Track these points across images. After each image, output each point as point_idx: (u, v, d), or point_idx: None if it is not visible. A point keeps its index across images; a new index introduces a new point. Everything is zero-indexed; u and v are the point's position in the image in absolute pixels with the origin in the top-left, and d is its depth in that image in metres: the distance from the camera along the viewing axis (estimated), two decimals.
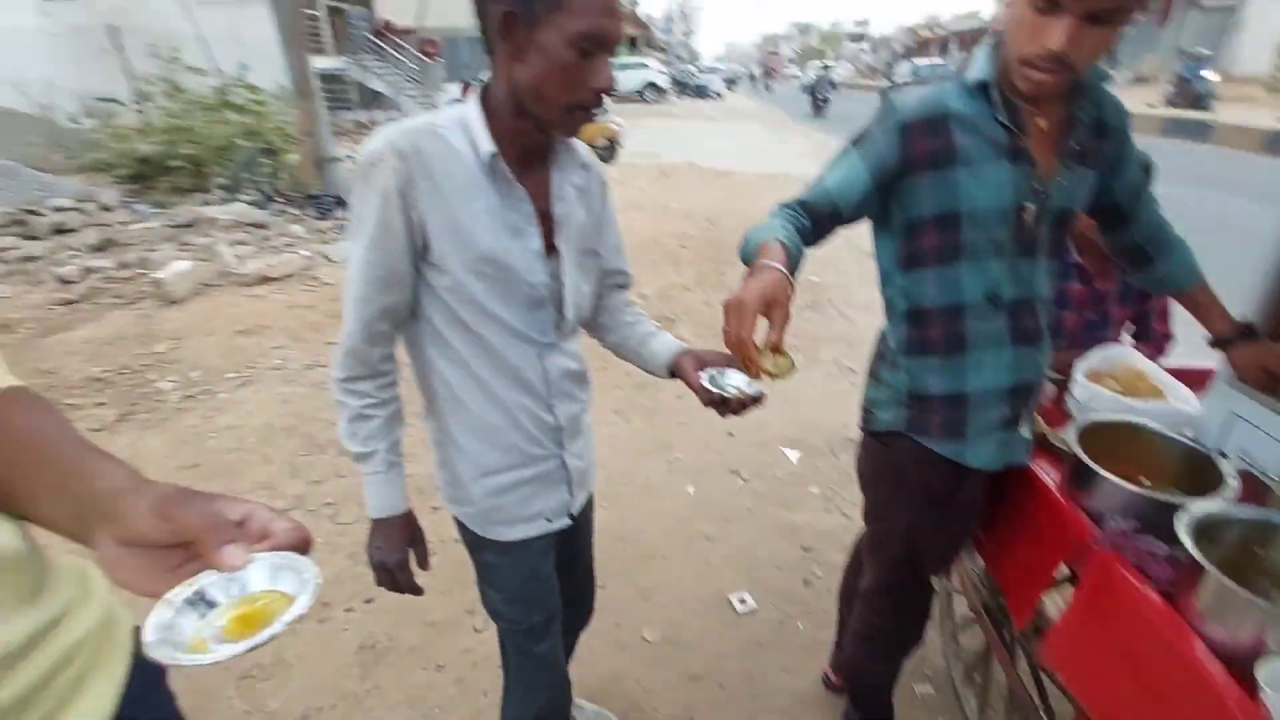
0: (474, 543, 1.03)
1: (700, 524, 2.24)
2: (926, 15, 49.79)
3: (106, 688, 0.52)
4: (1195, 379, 1.25)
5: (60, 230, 4.69)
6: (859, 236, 5.47)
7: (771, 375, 0.79)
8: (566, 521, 1.05)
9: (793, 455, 2.63)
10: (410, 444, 2.72)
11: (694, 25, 63.57)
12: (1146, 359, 1.31)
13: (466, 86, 12.16)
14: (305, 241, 4.91)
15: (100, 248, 4.54)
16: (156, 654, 0.37)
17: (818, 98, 18.48)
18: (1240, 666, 0.75)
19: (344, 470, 2.46)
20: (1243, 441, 1.10)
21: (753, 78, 44.65)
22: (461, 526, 1.02)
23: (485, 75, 0.86)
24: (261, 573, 0.42)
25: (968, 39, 39.14)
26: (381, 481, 0.92)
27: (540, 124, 0.81)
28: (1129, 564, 0.91)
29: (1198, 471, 1.00)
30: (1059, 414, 1.29)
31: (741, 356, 0.74)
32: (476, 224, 0.81)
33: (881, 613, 1.30)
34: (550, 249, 0.89)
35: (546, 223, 0.88)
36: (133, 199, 5.57)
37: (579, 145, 0.95)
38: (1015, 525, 1.18)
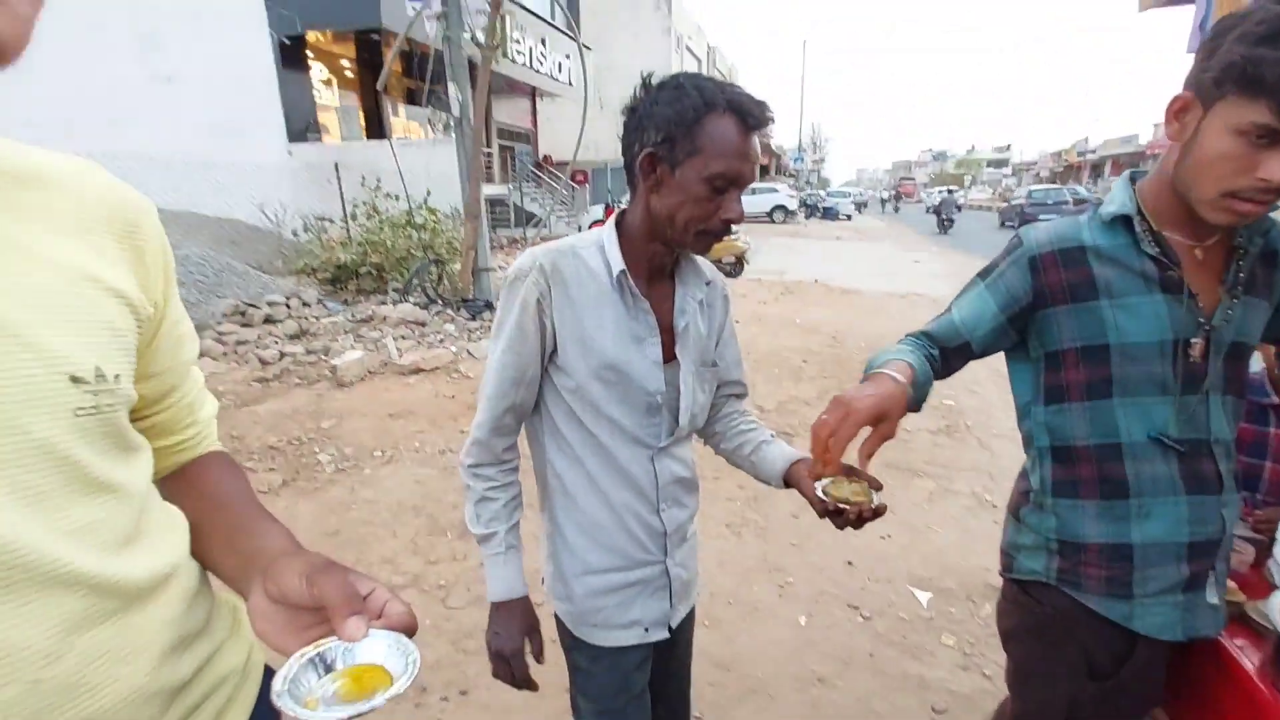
0: (570, 643, 1.02)
1: (812, 662, 2.03)
2: (1074, 140, 48.20)
3: (240, 718, 0.58)
4: None
5: (269, 320, 5.62)
6: (1000, 359, 5.15)
7: (845, 502, 0.76)
8: (665, 634, 1.02)
9: (922, 597, 2.36)
10: (522, 536, 2.78)
11: (825, 153, 66.34)
12: None
13: (609, 208, 13.45)
14: (455, 338, 5.47)
15: (296, 336, 5.35)
16: (279, 702, 0.42)
17: (942, 217, 20.67)
18: None
19: (459, 554, 2.56)
20: None
21: (882, 201, 45.16)
22: (560, 624, 1.03)
23: (626, 199, 0.97)
24: (374, 647, 0.46)
25: (1123, 163, 37.14)
26: (501, 563, 0.95)
27: (672, 246, 0.89)
28: None
29: None
30: (1260, 582, 1.07)
31: (821, 456, 0.74)
32: (603, 333, 0.88)
33: None
34: (670, 358, 0.94)
35: (668, 334, 0.94)
36: (327, 297, 6.59)
37: (703, 262, 1.02)
38: (1202, 713, 0.97)
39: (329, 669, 0.45)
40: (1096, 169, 42.94)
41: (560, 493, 0.97)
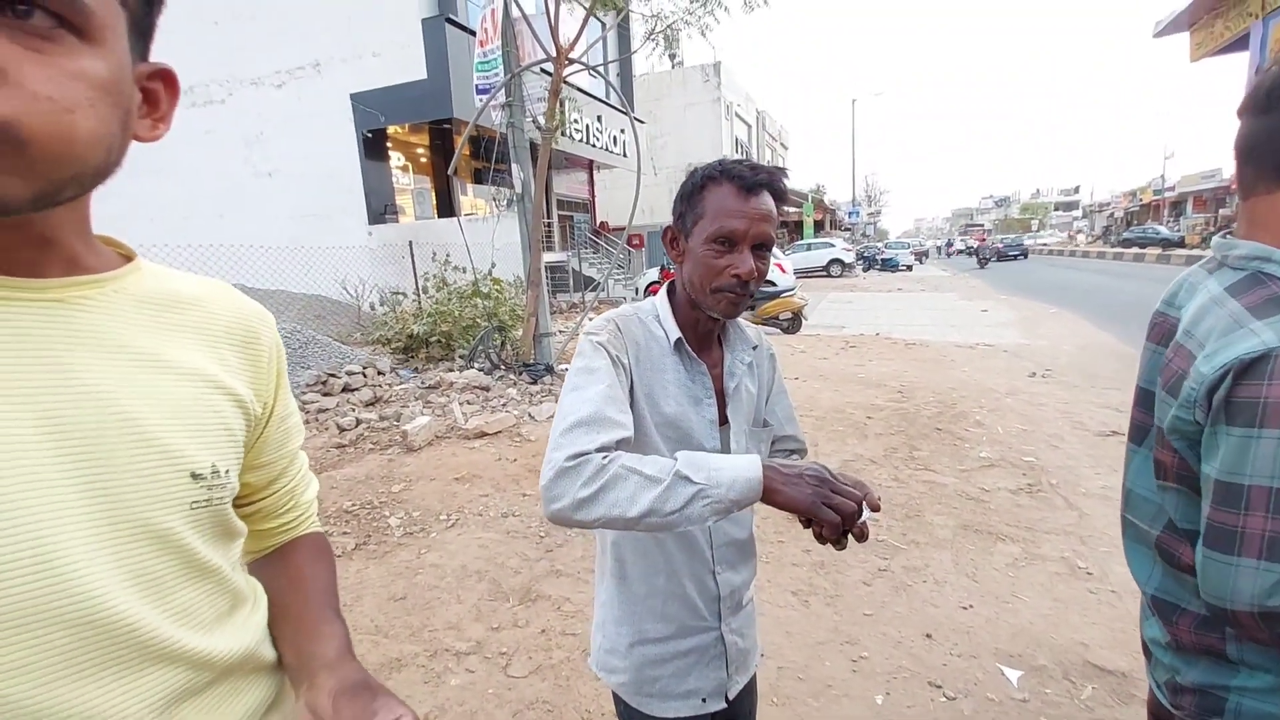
0: (625, 712, 1.00)
1: None
2: (1150, 178, 46.07)
3: None
4: None
5: (347, 389, 5.96)
6: (1082, 412, 4.85)
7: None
8: (722, 704, 0.99)
9: (1012, 675, 2.17)
10: (581, 603, 2.76)
11: (882, 205, 65.98)
12: None
13: (665, 269, 13.77)
14: (517, 403, 5.63)
15: (371, 403, 5.65)
16: None
17: (980, 257, 27.06)
18: None
19: (521, 621, 2.56)
20: None
21: (938, 249, 44.34)
22: (616, 698, 1.02)
23: None
24: None
25: (1205, 199, 35.10)
26: (709, 464, 0.76)
27: (703, 310, 0.93)
28: None
29: None
30: None
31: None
32: (665, 393, 0.93)
33: None
34: (723, 420, 0.96)
35: (720, 397, 0.97)
36: (400, 365, 6.96)
37: (748, 327, 1.06)
38: None
39: None
40: (1176, 207, 40.69)
41: (616, 559, 0.98)
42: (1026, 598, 2.60)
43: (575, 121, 13.75)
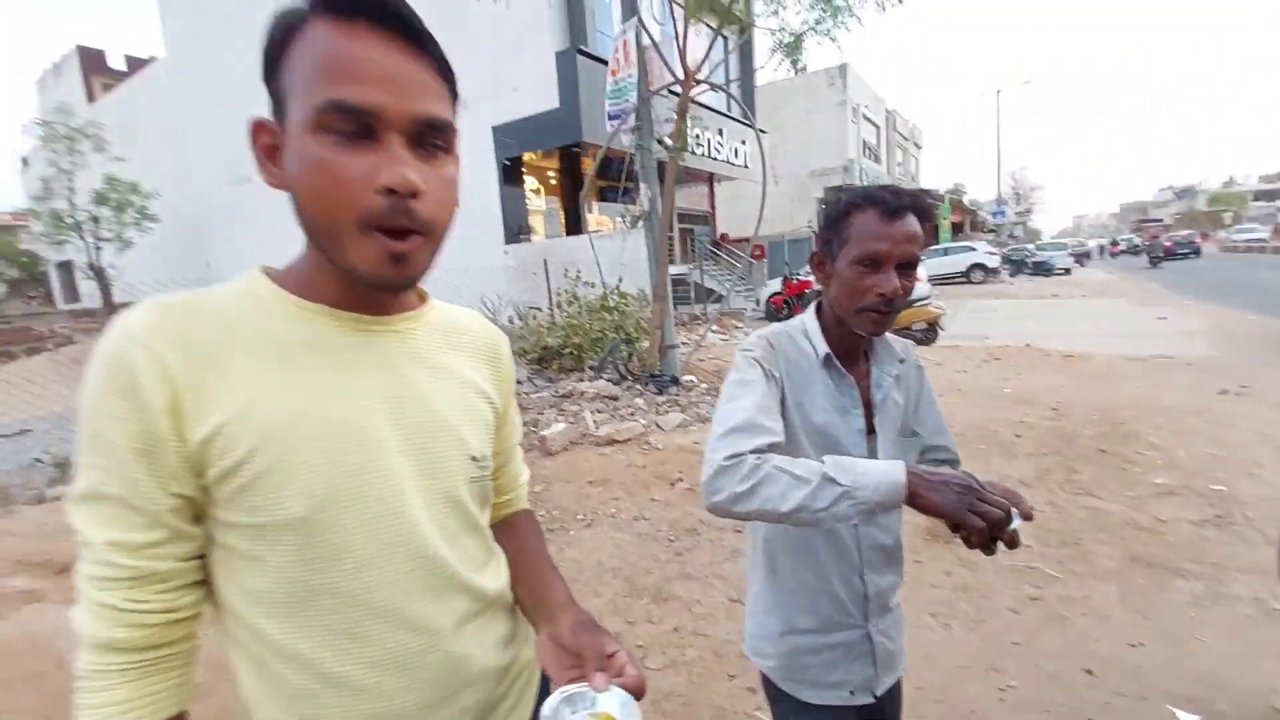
0: (775, 695, 1.09)
1: None
2: None
3: (530, 698, 0.79)
4: None
5: None
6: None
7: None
8: (869, 699, 1.05)
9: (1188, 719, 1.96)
10: (711, 606, 2.87)
11: (1033, 203, 59.88)
12: None
13: (787, 280, 13.54)
14: (644, 412, 5.85)
15: None
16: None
17: (1152, 256, 25.21)
18: None
19: (655, 618, 2.71)
20: None
21: (1100, 249, 39.35)
22: (766, 681, 1.11)
23: (803, 271, 1.13)
24: (611, 700, 0.61)
25: None
26: (855, 469, 0.80)
27: (849, 327, 1.00)
28: None
29: None
30: None
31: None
32: (814, 404, 1.02)
33: None
34: (871, 430, 1.03)
35: (868, 408, 1.04)
36: (535, 375, 7.49)
37: (895, 341, 1.12)
38: None
39: (576, 710, 0.61)
40: None
41: (767, 554, 1.08)
42: (1208, 639, 2.33)
43: (697, 137, 13.99)
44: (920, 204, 0.96)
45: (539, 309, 9.27)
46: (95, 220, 18.32)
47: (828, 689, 1.04)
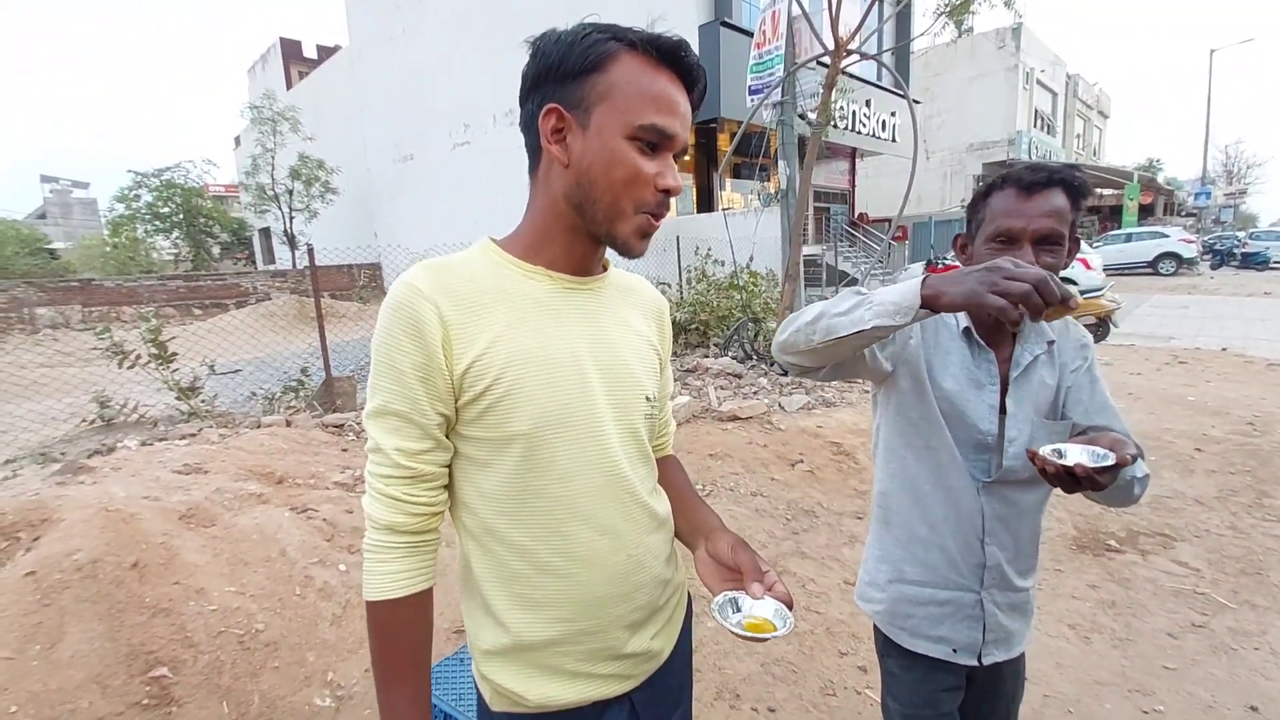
0: (883, 646, 1.15)
1: None
2: None
3: (681, 612, 0.93)
4: None
5: None
6: None
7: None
8: (973, 661, 1.07)
9: None
10: (825, 586, 2.90)
11: (1249, 182, 50.18)
12: None
13: (931, 265, 12.59)
14: (767, 392, 5.84)
15: None
16: (715, 613, 0.73)
17: None
18: None
19: None
20: None
21: None
22: (876, 631, 1.16)
23: (950, 256, 1.13)
24: (766, 607, 0.73)
25: None
26: (881, 295, 0.83)
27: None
28: None
29: None
30: None
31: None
32: (946, 371, 1.04)
33: None
34: (1004, 410, 1.03)
35: (1010, 385, 1.04)
36: None
37: (1044, 323, 1.08)
38: None
39: (738, 610, 0.74)
40: None
41: (882, 506, 1.13)
42: None
43: (841, 109, 13.30)
44: (1065, 177, 0.94)
45: (668, 285, 9.44)
46: (290, 193, 21.15)
47: (930, 641, 1.08)
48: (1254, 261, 20.26)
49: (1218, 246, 21.61)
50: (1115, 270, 15.95)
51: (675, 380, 6.30)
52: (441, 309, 0.71)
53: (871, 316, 0.81)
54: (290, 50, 27.93)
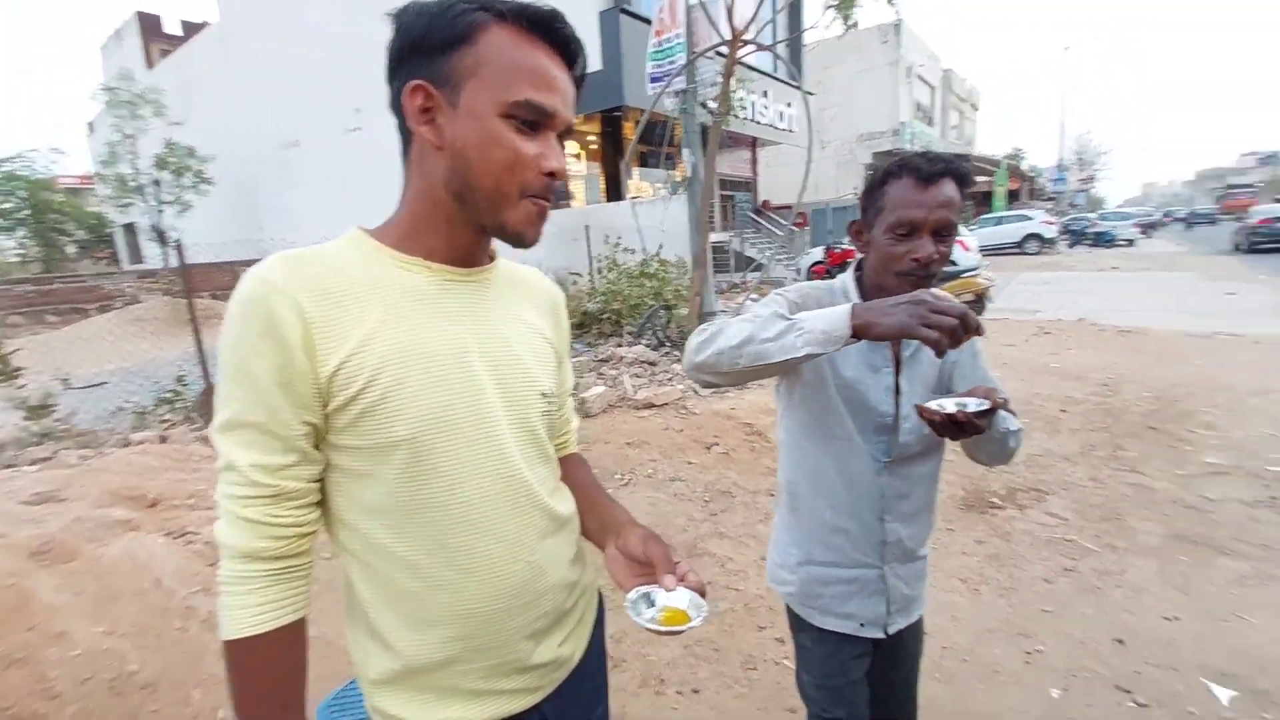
0: (795, 623, 1.19)
1: None
2: None
3: (592, 614, 0.90)
4: None
5: None
6: None
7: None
8: (880, 634, 1.13)
9: (1223, 694, 1.97)
10: (743, 563, 2.97)
11: (1099, 169, 56.42)
12: None
13: (830, 249, 13.25)
14: (681, 378, 5.92)
15: None
16: (628, 609, 0.70)
17: (1240, 245, 17.35)
18: None
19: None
20: None
21: (1181, 219, 37.09)
22: (788, 610, 1.20)
23: (845, 241, 1.16)
24: (680, 598, 0.71)
25: None
26: (810, 323, 0.85)
27: (888, 292, 1.01)
28: None
29: None
30: None
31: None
32: (847, 359, 1.06)
33: None
34: (899, 390, 1.07)
35: (903, 367, 1.08)
36: (574, 340, 7.63)
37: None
38: None
39: (652, 605, 0.72)
40: None
41: (790, 493, 1.16)
42: (1253, 618, 2.31)
43: (741, 100, 13.65)
44: (956, 169, 0.98)
45: (579, 275, 9.35)
46: (157, 184, 19.10)
47: (838, 618, 1.13)
48: (1103, 240, 22.90)
49: (1074, 227, 24.22)
50: (988, 251, 17.46)
51: (590, 370, 6.25)
52: (301, 304, 0.63)
53: (803, 344, 0.84)
54: (149, 25, 25.11)
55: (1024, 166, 37.57)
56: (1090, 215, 28.49)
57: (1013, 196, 31.42)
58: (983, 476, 3.60)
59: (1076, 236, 23.61)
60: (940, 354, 0.78)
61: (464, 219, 0.71)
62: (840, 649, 1.13)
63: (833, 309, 0.84)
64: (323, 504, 0.72)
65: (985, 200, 28.06)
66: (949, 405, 0.88)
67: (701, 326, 0.97)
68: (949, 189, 0.97)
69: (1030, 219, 20.71)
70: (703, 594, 0.71)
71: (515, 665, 0.76)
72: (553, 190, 0.71)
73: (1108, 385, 5.23)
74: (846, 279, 1.10)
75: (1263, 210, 17.53)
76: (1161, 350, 6.45)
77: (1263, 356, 5.95)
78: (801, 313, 0.88)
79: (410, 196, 0.72)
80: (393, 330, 0.67)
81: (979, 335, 0.80)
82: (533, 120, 0.67)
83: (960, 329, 0.76)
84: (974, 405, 0.88)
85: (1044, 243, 20.02)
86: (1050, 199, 36.34)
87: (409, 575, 0.70)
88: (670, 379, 5.90)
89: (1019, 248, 19.93)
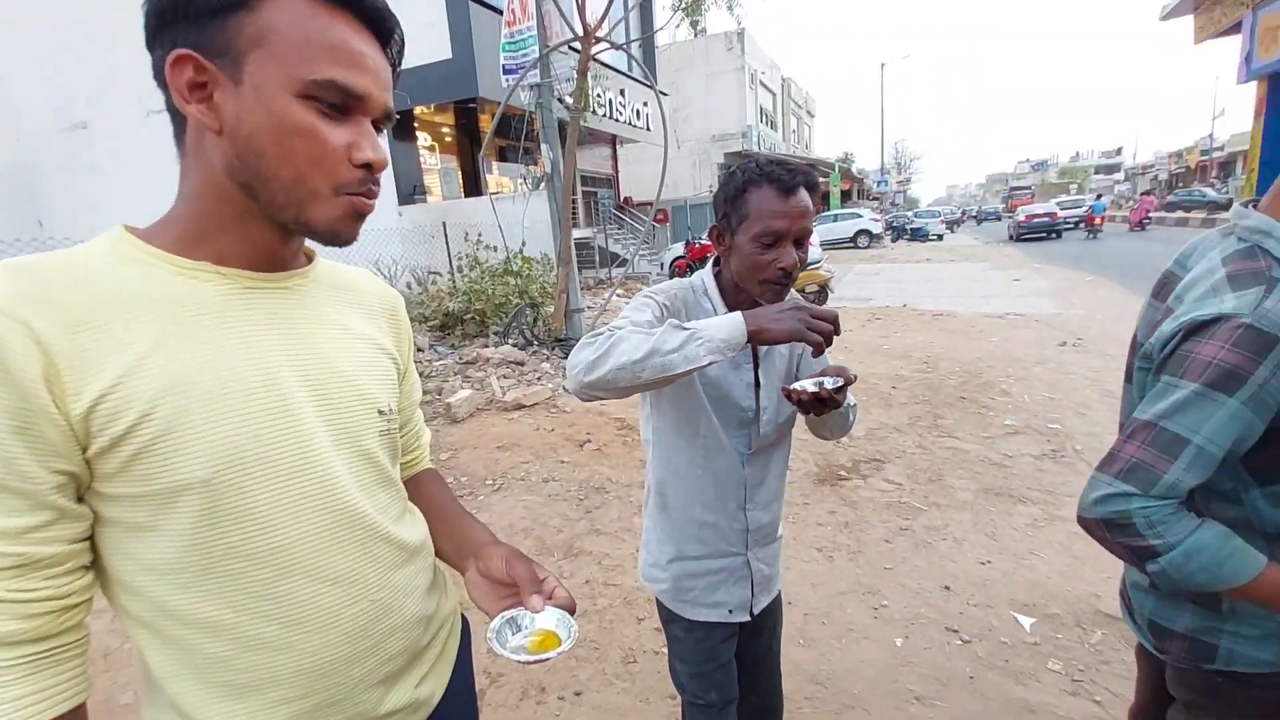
0: (666, 616, 1.22)
1: (908, 682, 2.07)
2: (1196, 138, 43.93)
3: (454, 645, 0.83)
4: None
5: None
6: (1113, 380, 4.95)
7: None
8: (746, 617, 1.19)
9: (1025, 621, 2.32)
10: (620, 558, 2.99)
11: (912, 173, 64.20)
12: None
13: (690, 245, 13.81)
14: (551, 376, 5.85)
15: None
16: (491, 642, 0.65)
17: (976, 219, 27.75)
18: None
19: (566, 573, 2.79)
20: None
21: (973, 217, 43.43)
22: (659, 604, 1.23)
23: (704, 236, 1.19)
24: (548, 618, 0.67)
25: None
26: (709, 332, 0.87)
27: (751, 296, 1.07)
28: None
29: None
30: None
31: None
32: None
33: None
34: (759, 383, 1.13)
35: (760, 362, 1.13)
36: (437, 342, 7.24)
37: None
38: None
39: (519, 629, 0.67)
40: (1225, 168, 38.87)
41: (660, 493, 1.18)
42: (1044, 555, 2.74)
43: (599, 96, 13.75)
44: (812, 179, 1.03)
45: (439, 274, 8.90)
46: None
47: (709, 608, 1.17)
48: (919, 235, 26.15)
49: (895, 224, 27.42)
50: (827, 245, 19.23)
51: (455, 374, 5.98)
52: (37, 328, 0.51)
53: (706, 354, 0.86)
54: None
55: (854, 169, 41.71)
56: (909, 214, 32.40)
57: (845, 196, 34.80)
58: (832, 452, 3.94)
59: (898, 232, 26.76)
60: (819, 354, 0.87)
61: (259, 214, 0.60)
62: (710, 635, 1.18)
63: (725, 318, 0.88)
64: (96, 566, 0.59)
65: (824, 200, 30.79)
66: (811, 385, 0.95)
67: (584, 340, 0.94)
68: (806, 198, 1.02)
69: (861, 216, 23.12)
70: (572, 610, 0.67)
71: (365, 717, 0.68)
72: (371, 183, 0.62)
73: (927, 362, 5.95)
74: (706, 277, 1.13)
75: (1025, 209, 24.04)
76: (966, 330, 7.47)
77: (1041, 333, 7.10)
78: (696, 322, 0.89)
79: (189, 190, 0.60)
80: (173, 352, 0.56)
81: (835, 407, 0.93)
82: (339, 103, 0.58)
83: (834, 331, 0.86)
84: (831, 383, 0.95)
85: (872, 238, 22.42)
86: (876, 198, 40.71)
87: (216, 639, 0.60)
88: (539, 378, 5.80)
89: (852, 242, 22.17)
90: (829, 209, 27.65)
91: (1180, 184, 42.55)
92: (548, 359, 6.43)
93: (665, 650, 2.10)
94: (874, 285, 12.02)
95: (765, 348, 1.13)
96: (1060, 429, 4.12)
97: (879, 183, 39.86)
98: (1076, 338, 6.64)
